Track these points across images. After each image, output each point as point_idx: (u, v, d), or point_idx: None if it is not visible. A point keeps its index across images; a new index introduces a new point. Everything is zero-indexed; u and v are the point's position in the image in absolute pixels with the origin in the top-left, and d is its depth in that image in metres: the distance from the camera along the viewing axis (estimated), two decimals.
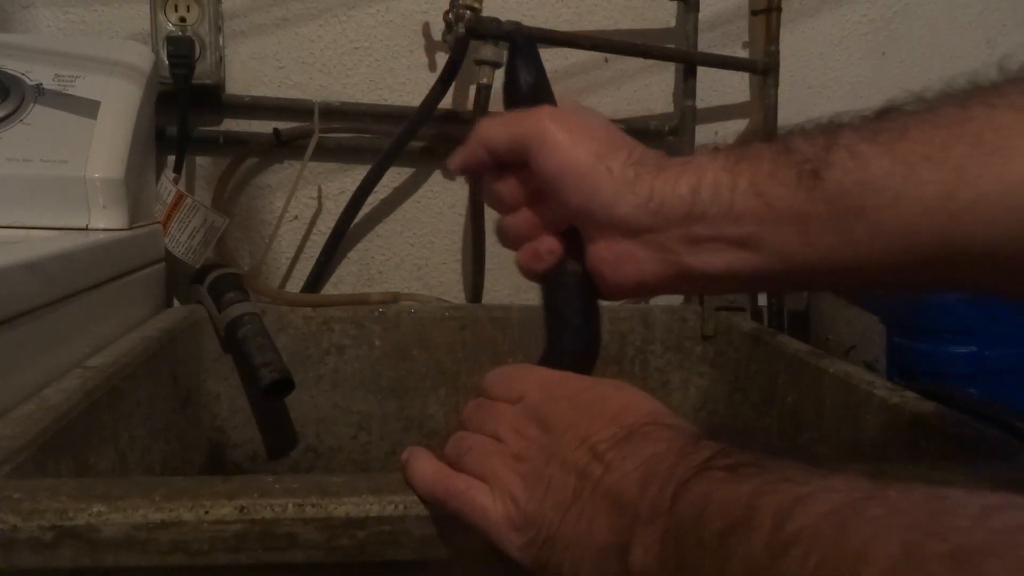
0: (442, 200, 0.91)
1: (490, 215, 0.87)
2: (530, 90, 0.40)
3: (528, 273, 0.41)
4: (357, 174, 0.86)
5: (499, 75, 0.81)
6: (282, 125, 0.86)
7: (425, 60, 0.89)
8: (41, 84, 0.70)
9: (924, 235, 0.29)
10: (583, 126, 0.36)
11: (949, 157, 0.28)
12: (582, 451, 0.32)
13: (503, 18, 0.79)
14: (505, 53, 0.80)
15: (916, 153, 0.29)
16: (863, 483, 0.22)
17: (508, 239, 0.41)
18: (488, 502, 0.33)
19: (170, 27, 0.81)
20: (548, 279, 0.40)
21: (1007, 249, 0.28)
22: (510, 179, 0.39)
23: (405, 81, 0.89)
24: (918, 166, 0.29)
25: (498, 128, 0.38)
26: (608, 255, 0.36)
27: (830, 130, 0.32)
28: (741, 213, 0.32)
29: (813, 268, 0.32)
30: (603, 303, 0.40)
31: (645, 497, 0.28)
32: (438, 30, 0.86)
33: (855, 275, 0.32)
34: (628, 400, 0.34)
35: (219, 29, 0.83)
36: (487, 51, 0.79)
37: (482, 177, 0.40)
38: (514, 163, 0.38)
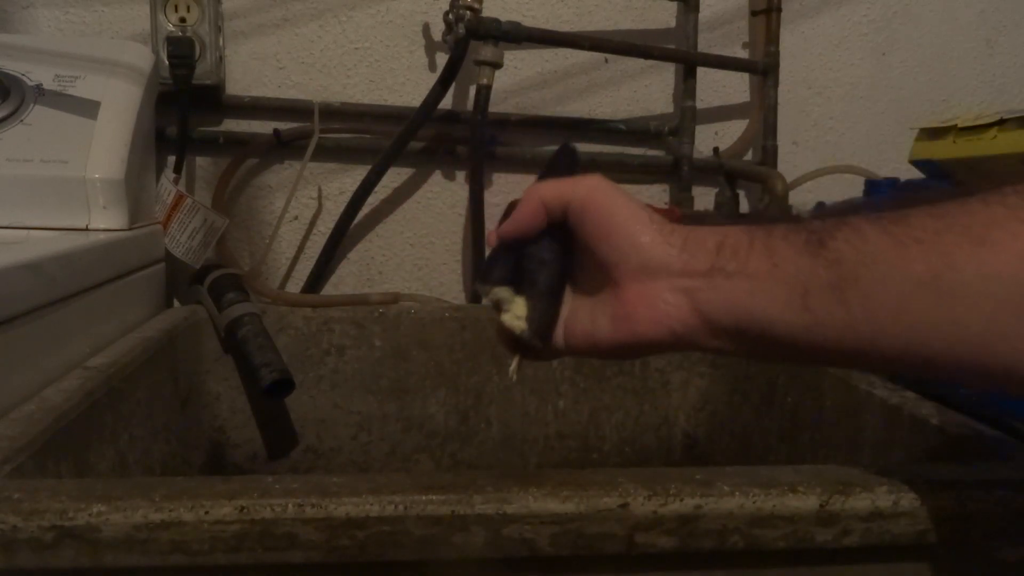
0: (442, 200, 0.91)
1: (490, 215, 0.87)
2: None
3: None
4: (357, 174, 0.87)
5: (499, 76, 0.81)
6: (282, 125, 0.86)
7: (425, 60, 0.89)
8: (41, 84, 0.70)
9: (913, 314, 0.31)
10: (621, 192, 0.40)
11: (939, 243, 0.31)
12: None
13: (503, 18, 0.79)
14: (506, 54, 0.80)
15: (910, 236, 0.32)
16: None
17: None
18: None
19: (170, 27, 0.81)
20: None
21: (990, 346, 0.30)
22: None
23: (405, 81, 0.89)
24: (910, 247, 0.32)
25: (548, 186, 0.41)
26: (641, 299, 0.38)
27: (843, 213, 0.35)
28: (754, 271, 0.35)
29: (810, 336, 0.34)
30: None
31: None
32: (438, 30, 0.86)
33: (847, 350, 0.34)
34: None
35: (219, 29, 0.83)
36: (487, 51, 0.79)
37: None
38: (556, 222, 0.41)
